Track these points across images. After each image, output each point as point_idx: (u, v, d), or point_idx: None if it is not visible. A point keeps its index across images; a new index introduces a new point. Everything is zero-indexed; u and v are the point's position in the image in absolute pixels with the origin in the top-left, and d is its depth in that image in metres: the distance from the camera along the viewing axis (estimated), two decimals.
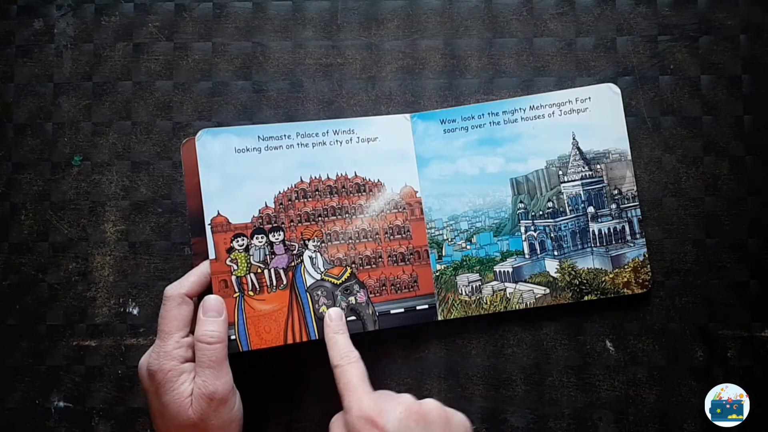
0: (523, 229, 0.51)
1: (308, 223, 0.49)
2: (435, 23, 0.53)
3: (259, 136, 0.49)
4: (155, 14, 0.53)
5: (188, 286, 0.45)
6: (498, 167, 0.51)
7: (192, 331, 0.44)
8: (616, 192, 0.51)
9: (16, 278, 0.52)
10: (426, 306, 0.50)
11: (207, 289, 0.47)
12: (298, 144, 0.49)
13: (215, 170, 0.48)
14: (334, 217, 0.50)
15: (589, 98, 0.51)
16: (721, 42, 0.52)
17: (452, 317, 0.50)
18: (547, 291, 0.50)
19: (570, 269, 0.51)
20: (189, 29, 0.53)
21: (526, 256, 0.51)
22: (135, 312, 0.51)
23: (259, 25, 0.53)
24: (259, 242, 0.48)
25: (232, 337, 0.47)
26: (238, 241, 0.48)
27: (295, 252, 0.49)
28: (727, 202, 0.51)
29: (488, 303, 0.50)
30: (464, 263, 0.51)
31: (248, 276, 0.48)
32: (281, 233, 0.49)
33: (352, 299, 0.49)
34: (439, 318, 0.50)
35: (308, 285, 0.49)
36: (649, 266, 0.50)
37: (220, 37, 0.53)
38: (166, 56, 0.53)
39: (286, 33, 0.53)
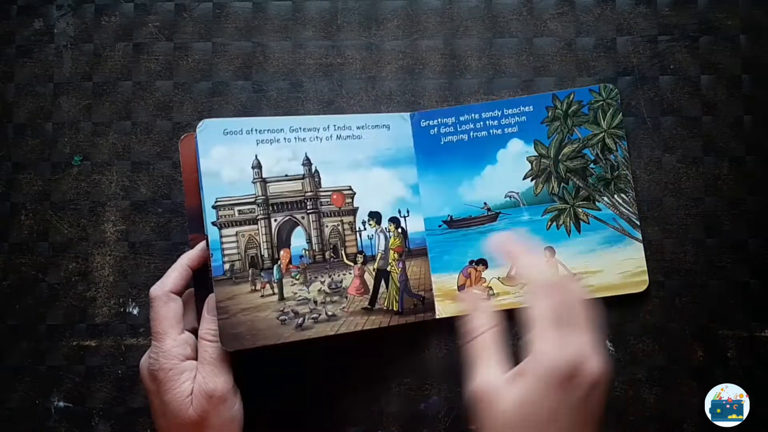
0: None
1: None
2: (435, 23, 0.53)
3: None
4: (155, 14, 0.53)
5: (171, 283, 0.45)
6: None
7: (187, 328, 0.45)
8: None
9: (16, 278, 0.52)
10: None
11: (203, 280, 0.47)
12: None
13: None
14: None
15: None
16: (721, 42, 0.52)
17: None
18: None
19: None
20: (189, 29, 0.53)
21: None
22: (135, 312, 0.51)
23: (259, 25, 0.53)
24: None
25: None
26: None
27: None
28: (727, 202, 0.51)
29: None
30: None
31: None
32: None
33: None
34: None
35: None
36: None
37: (220, 37, 0.53)
38: (166, 56, 0.53)
39: (286, 33, 0.53)
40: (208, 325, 0.44)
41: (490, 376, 0.39)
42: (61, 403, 0.51)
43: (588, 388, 0.37)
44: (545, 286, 0.40)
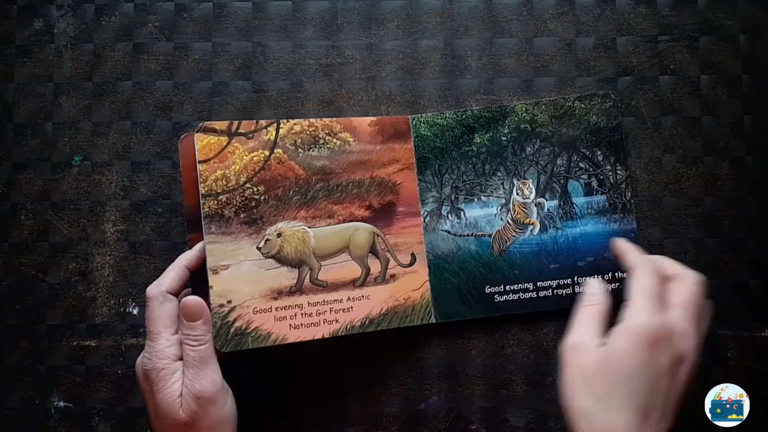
0: None
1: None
2: (435, 23, 0.53)
3: None
4: (155, 14, 0.53)
5: (167, 283, 0.45)
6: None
7: None
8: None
9: (16, 278, 0.52)
10: None
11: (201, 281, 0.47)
12: None
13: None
14: None
15: None
16: (721, 42, 0.52)
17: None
18: None
19: None
20: (189, 29, 0.53)
21: None
22: (135, 312, 0.51)
23: (259, 25, 0.53)
24: None
25: None
26: None
27: None
28: (727, 202, 0.51)
29: None
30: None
31: None
32: None
33: None
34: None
35: None
36: None
37: (220, 37, 0.53)
38: (166, 56, 0.53)
39: (286, 33, 0.53)
40: (186, 330, 0.43)
41: (584, 337, 0.41)
42: (61, 403, 0.51)
43: (675, 357, 0.38)
44: (651, 265, 0.42)
